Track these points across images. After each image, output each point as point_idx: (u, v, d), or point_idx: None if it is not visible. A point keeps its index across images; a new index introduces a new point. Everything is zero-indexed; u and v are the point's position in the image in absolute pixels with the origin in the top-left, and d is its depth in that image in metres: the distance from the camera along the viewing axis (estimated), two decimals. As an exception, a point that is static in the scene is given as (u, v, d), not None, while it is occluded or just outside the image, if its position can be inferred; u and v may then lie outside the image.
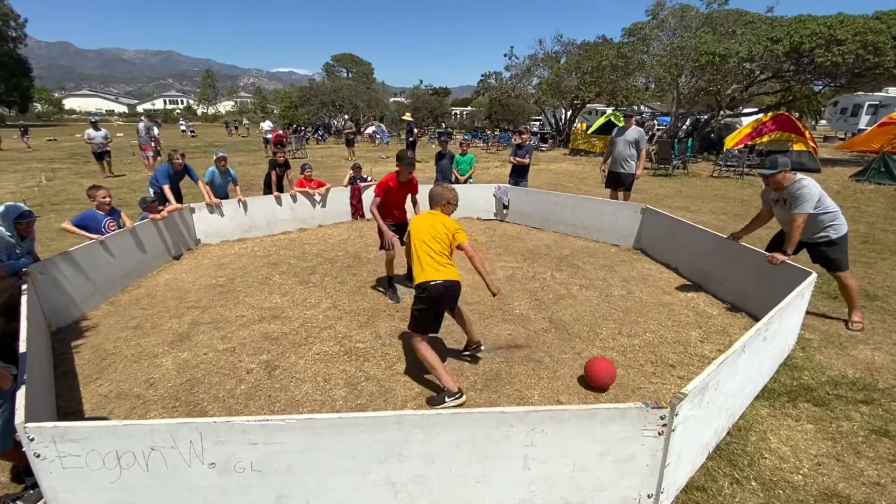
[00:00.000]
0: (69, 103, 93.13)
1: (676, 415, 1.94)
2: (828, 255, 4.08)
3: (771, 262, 4.01)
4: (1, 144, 21.25)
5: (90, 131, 12.77)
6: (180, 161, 6.59)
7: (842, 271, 4.09)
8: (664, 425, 1.94)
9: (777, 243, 4.32)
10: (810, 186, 3.89)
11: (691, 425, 2.14)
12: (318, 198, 7.66)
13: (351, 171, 8.38)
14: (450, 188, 3.51)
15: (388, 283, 4.87)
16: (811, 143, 14.34)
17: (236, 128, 37.90)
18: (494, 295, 3.23)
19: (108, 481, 1.84)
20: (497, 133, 28.83)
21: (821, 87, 18.92)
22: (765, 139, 14.79)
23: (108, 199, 5.23)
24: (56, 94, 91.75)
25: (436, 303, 3.06)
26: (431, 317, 3.11)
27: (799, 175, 3.99)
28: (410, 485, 1.96)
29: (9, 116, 51.13)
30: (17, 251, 3.87)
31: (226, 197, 7.00)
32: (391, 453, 1.90)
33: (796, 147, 14.31)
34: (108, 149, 13.04)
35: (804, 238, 4.06)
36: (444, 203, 3.41)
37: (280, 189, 7.77)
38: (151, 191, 6.55)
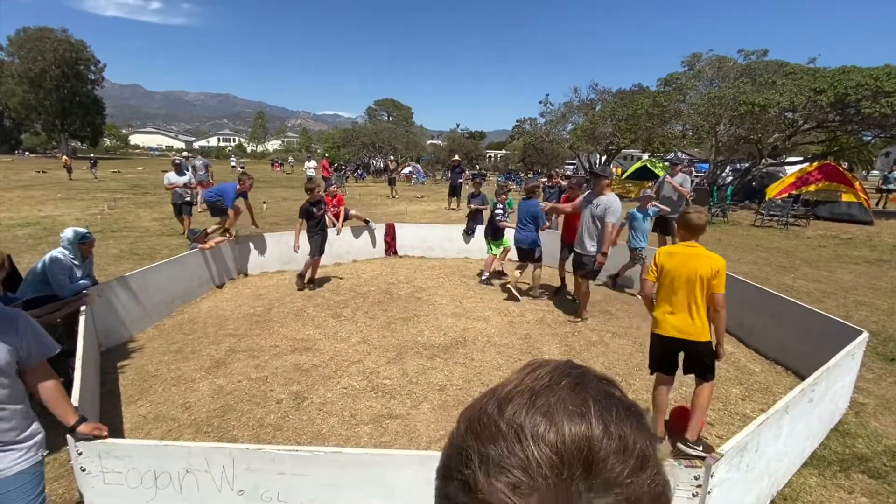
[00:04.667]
0: (134, 139, 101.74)
1: (712, 476, 1.86)
2: (582, 260, 5.07)
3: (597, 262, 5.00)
4: (72, 175, 23.23)
5: (171, 175, 9.04)
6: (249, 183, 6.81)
7: (586, 277, 5.12)
8: (699, 486, 1.86)
9: None
10: (618, 202, 4.92)
11: (729, 489, 2.03)
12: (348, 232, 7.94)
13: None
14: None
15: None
16: (862, 195, 13.75)
17: (281, 164, 40.45)
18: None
19: (144, 500, 1.91)
20: (531, 175, 29.21)
21: (870, 138, 18.31)
22: (811, 188, 14.33)
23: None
24: (124, 131, 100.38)
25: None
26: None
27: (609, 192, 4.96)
28: (432, 529, 1.93)
29: (80, 149, 56.10)
30: (78, 273, 4.21)
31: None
32: (415, 494, 1.89)
33: (845, 198, 13.74)
34: (188, 199, 9.17)
35: (574, 242, 5.24)
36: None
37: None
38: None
